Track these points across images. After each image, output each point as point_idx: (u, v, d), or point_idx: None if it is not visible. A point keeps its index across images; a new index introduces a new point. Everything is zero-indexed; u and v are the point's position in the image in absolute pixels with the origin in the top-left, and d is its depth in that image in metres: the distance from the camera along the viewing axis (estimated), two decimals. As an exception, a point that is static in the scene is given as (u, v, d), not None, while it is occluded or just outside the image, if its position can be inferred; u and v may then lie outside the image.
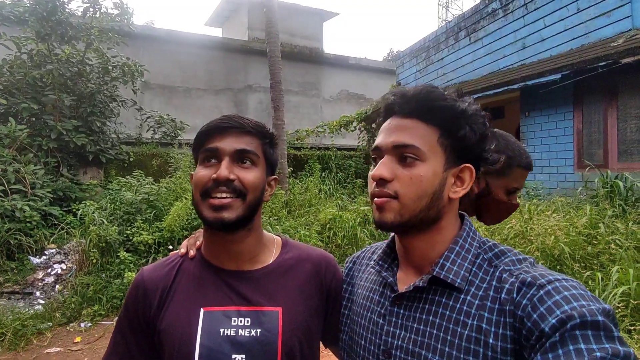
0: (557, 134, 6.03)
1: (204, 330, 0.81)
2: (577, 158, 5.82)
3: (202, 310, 0.83)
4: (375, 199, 0.75)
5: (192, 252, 0.93)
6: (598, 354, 0.50)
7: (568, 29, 6.06)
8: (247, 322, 0.83)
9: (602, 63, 4.89)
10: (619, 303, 2.81)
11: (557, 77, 5.44)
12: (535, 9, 6.60)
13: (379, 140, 0.76)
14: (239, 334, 0.81)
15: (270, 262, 0.91)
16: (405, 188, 0.71)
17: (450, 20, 10.13)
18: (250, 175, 0.84)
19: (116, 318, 0.98)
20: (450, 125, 0.72)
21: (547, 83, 5.61)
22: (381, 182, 0.73)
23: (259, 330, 0.82)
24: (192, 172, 0.90)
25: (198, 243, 0.94)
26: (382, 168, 0.73)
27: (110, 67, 7.69)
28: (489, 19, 7.60)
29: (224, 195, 0.80)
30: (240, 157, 0.84)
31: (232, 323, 0.82)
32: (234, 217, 0.81)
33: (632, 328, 2.67)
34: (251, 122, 0.87)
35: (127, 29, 8.09)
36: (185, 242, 0.98)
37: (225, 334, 0.81)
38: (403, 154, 0.72)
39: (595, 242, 3.68)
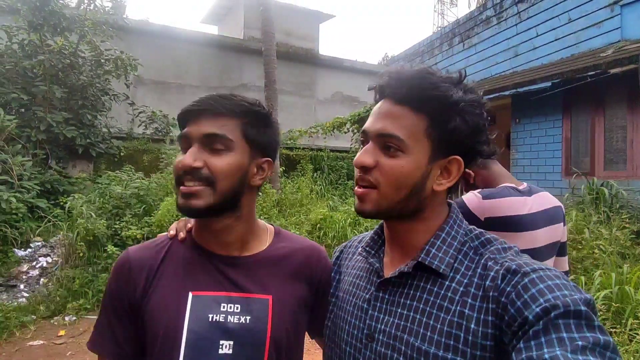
0: (546, 141, 6.13)
1: (192, 315, 0.78)
2: (565, 165, 5.92)
3: (190, 295, 0.80)
4: (356, 188, 0.75)
5: (182, 235, 0.89)
6: (580, 342, 0.51)
7: (559, 39, 6.17)
8: (237, 308, 0.80)
9: (591, 73, 4.99)
10: (601, 306, 2.87)
11: (547, 85, 5.53)
12: (527, 18, 6.72)
13: (367, 124, 0.75)
14: (228, 321, 0.79)
15: (262, 249, 0.89)
16: (384, 178, 0.71)
17: (445, 26, 10.24)
18: (220, 161, 0.78)
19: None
20: (440, 116, 0.69)
21: (537, 91, 5.70)
22: (363, 169, 0.72)
23: (248, 318, 0.80)
24: None
25: (189, 226, 0.91)
26: (364, 155, 0.72)
27: (103, 60, 7.61)
28: (482, 26, 7.70)
29: (191, 184, 0.77)
30: (209, 142, 0.78)
31: (222, 309, 0.80)
32: (203, 205, 0.77)
33: (613, 331, 2.73)
34: (227, 102, 0.80)
35: (121, 23, 8.02)
36: (174, 225, 0.94)
37: (214, 320, 0.79)
38: (386, 143, 0.71)
39: (580, 247, 3.75)
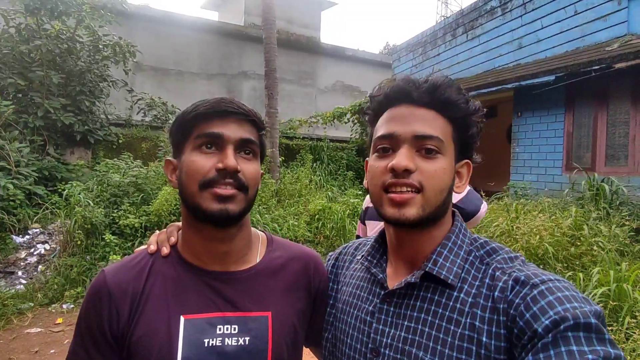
0: (548, 135, 6.09)
1: (185, 341, 0.72)
2: (566, 160, 5.89)
3: (182, 319, 0.73)
4: (393, 195, 0.69)
5: (165, 250, 0.80)
6: (590, 356, 0.50)
7: (564, 31, 6.08)
8: (234, 329, 0.75)
9: (596, 67, 4.93)
10: (598, 303, 2.87)
11: (550, 78, 5.47)
12: (533, 10, 6.61)
13: (393, 127, 0.71)
14: (226, 344, 0.73)
15: (257, 261, 0.83)
16: (429, 181, 0.68)
17: (448, 16, 10.08)
18: (252, 167, 0.76)
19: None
20: (463, 122, 0.72)
21: (540, 84, 5.64)
22: (405, 172, 0.68)
23: (247, 339, 0.75)
24: (169, 158, 0.81)
25: (173, 239, 0.82)
26: (404, 159, 0.68)
27: (101, 46, 7.50)
28: (487, 17, 7.59)
29: (228, 188, 0.72)
30: (243, 147, 0.76)
31: (218, 332, 0.74)
32: (238, 210, 0.73)
33: (610, 328, 2.73)
34: (251, 110, 0.78)
35: (120, 7, 7.87)
36: (154, 238, 0.84)
37: (210, 345, 0.73)
38: (425, 146, 0.69)
39: (579, 244, 3.74)
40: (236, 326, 0.76)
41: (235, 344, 0.74)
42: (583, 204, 4.69)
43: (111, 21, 7.33)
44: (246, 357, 0.75)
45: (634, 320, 2.62)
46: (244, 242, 0.82)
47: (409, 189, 0.68)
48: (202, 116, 0.75)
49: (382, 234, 0.83)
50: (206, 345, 0.73)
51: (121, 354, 0.74)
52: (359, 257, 0.86)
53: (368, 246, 0.85)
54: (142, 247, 0.85)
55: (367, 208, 2.11)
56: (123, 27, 8.06)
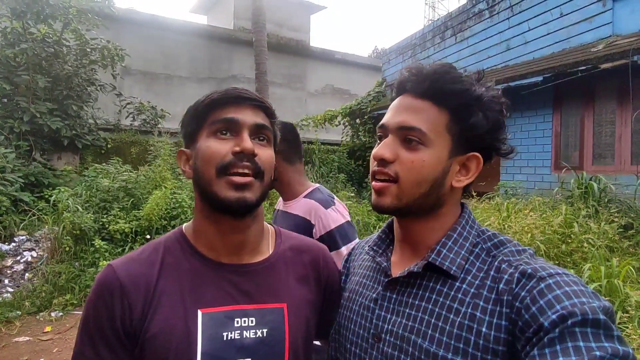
0: (537, 135, 6.17)
1: (204, 335, 0.70)
2: (555, 159, 5.98)
3: (199, 313, 0.72)
4: (374, 183, 0.72)
5: None
6: (597, 352, 0.49)
7: (551, 33, 6.18)
8: (252, 322, 0.74)
9: (582, 68, 5.01)
10: (590, 299, 2.90)
11: (538, 79, 5.55)
12: (520, 12, 6.70)
13: (386, 118, 0.73)
14: (244, 336, 0.73)
15: (270, 253, 0.83)
16: (405, 172, 0.69)
17: (436, 19, 10.20)
18: (267, 153, 0.75)
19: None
20: (462, 111, 0.69)
21: (528, 85, 5.72)
22: (382, 162, 0.70)
23: (265, 330, 0.74)
24: (182, 149, 0.80)
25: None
26: (384, 148, 0.70)
27: (88, 50, 7.41)
28: (475, 19, 7.68)
29: (247, 171, 0.71)
30: (258, 133, 0.75)
31: (236, 325, 0.73)
32: (255, 198, 0.72)
33: (602, 324, 2.76)
34: (264, 98, 0.79)
35: (107, 11, 7.80)
36: None
37: (229, 338, 0.72)
38: (407, 137, 0.69)
39: (569, 241, 3.79)
40: (253, 318, 0.75)
41: (254, 336, 0.74)
42: (572, 202, 4.75)
43: (98, 25, 7.25)
44: (264, 349, 0.74)
45: (626, 315, 2.65)
46: (258, 232, 0.82)
47: (385, 178, 0.70)
48: (217, 102, 0.74)
49: (389, 225, 0.84)
50: (225, 339, 0.72)
51: (133, 351, 0.70)
52: (366, 248, 0.87)
53: (375, 237, 0.86)
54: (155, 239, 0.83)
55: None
56: (111, 31, 7.99)
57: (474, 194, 5.77)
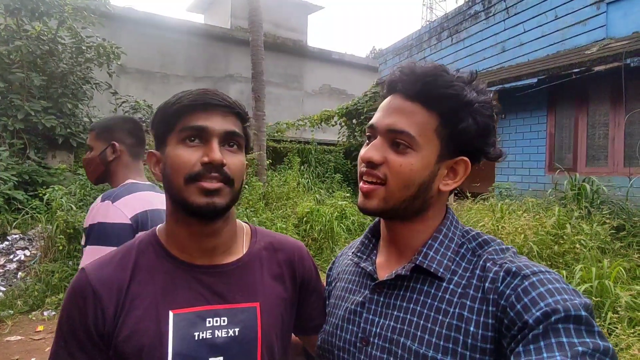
0: (531, 137, 6.21)
1: (175, 336, 0.71)
2: (549, 161, 6.01)
3: (171, 313, 0.73)
4: (362, 184, 0.72)
5: None
6: (579, 348, 0.50)
7: (545, 35, 6.22)
8: (224, 321, 0.75)
9: (576, 70, 5.04)
10: (581, 300, 2.92)
11: (533, 81, 5.58)
12: (515, 14, 6.74)
13: (376, 118, 0.73)
14: (216, 335, 0.74)
15: (244, 253, 0.83)
16: (393, 175, 0.69)
17: (433, 21, 10.24)
18: (237, 160, 0.75)
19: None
20: (452, 116, 0.68)
21: (523, 86, 5.75)
22: (370, 164, 0.70)
23: (237, 329, 0.75)
24: (152, 150, 0.80)
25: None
26: (372, 151, 0.70)
27: (84, 48, 7.37)
28: (471, 21, 7.71)
29: (214, 181, 0.71)
30: (228, 140, 0.75)
31: (207, 324, 0.74)
32: (225, 203, 0.73)
33: (593, 324, 2.78)
34: (236, 102, 0.78)
35: (103, 9, 7.76)
36: None
37: (200, 337, 0.73)
38: (396, 140, 0.69)
39: (562, 242, 3.81)
40: (225, 318, 0.76)
41: (225, 335, 0.75)
42: (565, 204, 4.78)
43: (94, 23, 7.21)
44: (237, 347, 0.75)
45: (616, 316, 2.67)
46: (230, 234, 0.82)
47: (373, 180, 0.70)
48: (185, 108, 0.73)
49: (372, 229, 0.85)
50: (196, 338, 0.73)
51: (107, 353, 0.72)
52: (350, 254, 0.88)
53: (358, 242, 0.86)
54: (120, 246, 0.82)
55: None
56: (107, 29, 7.94)
57: (469, 194, 5.79)
